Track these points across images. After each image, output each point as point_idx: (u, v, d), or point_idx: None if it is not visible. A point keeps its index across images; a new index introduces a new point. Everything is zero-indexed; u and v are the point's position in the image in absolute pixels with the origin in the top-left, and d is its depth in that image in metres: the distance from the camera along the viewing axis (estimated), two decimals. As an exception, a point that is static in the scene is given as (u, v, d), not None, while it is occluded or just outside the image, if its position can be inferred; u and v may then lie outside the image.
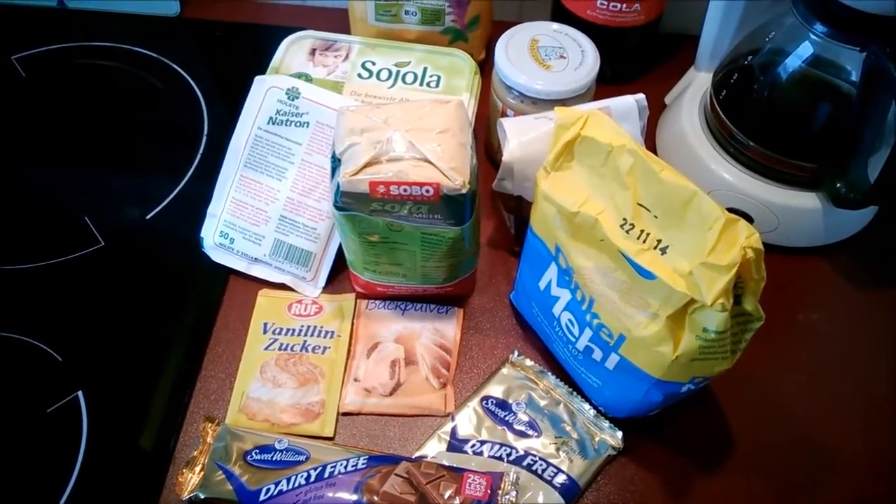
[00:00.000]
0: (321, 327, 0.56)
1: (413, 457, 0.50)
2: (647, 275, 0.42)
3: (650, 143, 0.68)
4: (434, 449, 0.51)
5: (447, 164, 0.46)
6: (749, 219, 0.60)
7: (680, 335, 0.42)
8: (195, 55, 0.75)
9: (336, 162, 0.48)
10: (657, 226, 0.42)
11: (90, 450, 0.50)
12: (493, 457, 0.50)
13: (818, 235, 0.61)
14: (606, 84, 0.63)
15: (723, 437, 0.53)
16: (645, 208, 0.43)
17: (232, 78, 0.68)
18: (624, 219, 0.43)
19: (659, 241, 0.42)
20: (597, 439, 0.51)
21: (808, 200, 0.59)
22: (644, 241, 0.43)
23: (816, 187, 0.59)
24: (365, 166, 0.46)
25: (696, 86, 0.67)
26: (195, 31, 0.77)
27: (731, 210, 0.59)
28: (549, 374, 0.54)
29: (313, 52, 0.65)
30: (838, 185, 0.56)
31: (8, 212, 0.63)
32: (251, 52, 0.73)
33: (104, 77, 0.73)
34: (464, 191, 0.46)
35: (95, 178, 0.66)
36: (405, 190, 0.46)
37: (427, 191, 0.46)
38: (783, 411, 0.54)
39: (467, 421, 0.52)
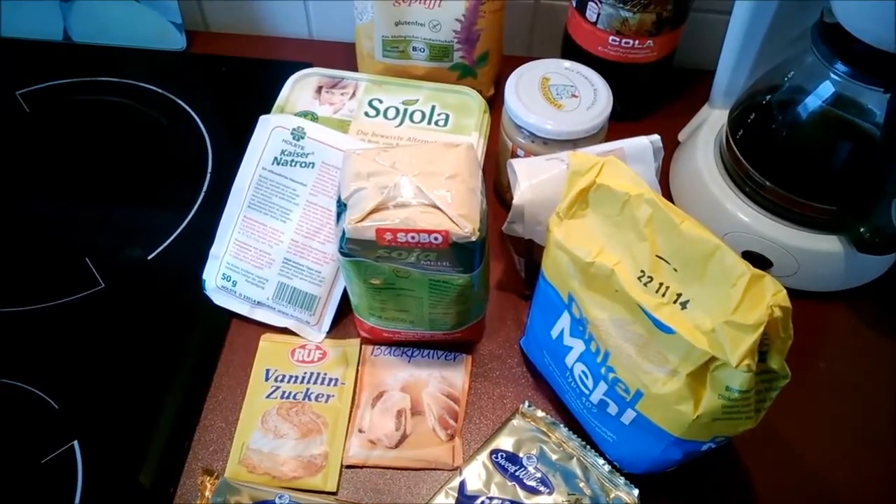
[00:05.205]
0: (325, 374, 0.55)
1: (419, 514, 0.48)
2: (666, 329, 0.40)
3: (664, 181, 0.66)
4: (441, 506, 0.49)
5: (456, 211, 0.45)
6: (768, 262, 0.58)
7: (701, 393, 0.40)
8: (201, 91, 0.74)
9: (342, 207, 0.47)
10: (677, 279, 0.40)
11: (84, 504, 0.48)
12: (503, 515, 0.48)
13: (839, 280, 0.59)
14: (618, 121, 0.61)
15: (744, 495, 0.50)
16: (664, 260, 0.41)
17: (238, 114, 0.67)
18: (642, 271, 0.41)
19: (679, 296, 0.40)
20: (611, 496, 0.48)
21: (828, 243, 0.57)
22: (663, 295, 0.41)
23: (837, 230, 0.57)
24: (371, 212, 0.45)
25: (710, 123, 0.65)
26: (201, 66, 0.77)
27: (748, 253, 0.59)
28: (562, 426, 0.52)
29: (320, 89, 0.63)
30: (861, 229, 0.54)
31: (7, 252, 0.62)
32: (257, 87, 0.72)
33: (108, 113, 0.72)
34: (473, 238, 0.45)
35: (97, 216, 0.64)
36: (413, 237, 0.45)
37: (435, 238, 0.44)
38: (806, 466, 0.52)
39: (476, 476, 0.49)
